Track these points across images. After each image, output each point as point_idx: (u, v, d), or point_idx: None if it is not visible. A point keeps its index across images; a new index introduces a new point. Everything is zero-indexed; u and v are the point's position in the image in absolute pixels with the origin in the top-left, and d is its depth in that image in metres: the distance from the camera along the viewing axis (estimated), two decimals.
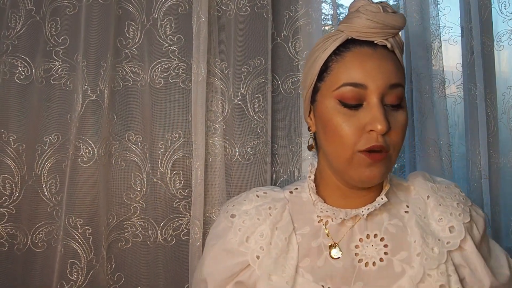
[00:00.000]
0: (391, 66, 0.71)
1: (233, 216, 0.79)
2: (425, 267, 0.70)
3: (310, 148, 0.82)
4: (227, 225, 0.79)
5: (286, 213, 0.78)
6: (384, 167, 0.70)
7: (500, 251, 0.82)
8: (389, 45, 0.73)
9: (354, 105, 0.70)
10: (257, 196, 0.81)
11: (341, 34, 0.75)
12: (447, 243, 0.73)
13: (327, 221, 0.77)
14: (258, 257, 0.74)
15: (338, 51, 0.74)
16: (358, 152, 0.69)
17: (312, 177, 0.81)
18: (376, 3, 0.73)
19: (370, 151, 0.69)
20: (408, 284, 0.70)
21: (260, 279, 0.72)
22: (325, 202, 0.78)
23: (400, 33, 0.77)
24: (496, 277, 0.75)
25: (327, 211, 0.76)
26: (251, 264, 0.74)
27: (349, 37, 0.74)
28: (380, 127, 0.67)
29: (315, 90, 0.76)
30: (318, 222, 0.77)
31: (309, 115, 0.80)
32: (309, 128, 0.81)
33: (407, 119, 0.73)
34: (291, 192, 0.82)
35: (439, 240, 0.73)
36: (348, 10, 0.77)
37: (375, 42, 0.73)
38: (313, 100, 0.77)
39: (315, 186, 0.80)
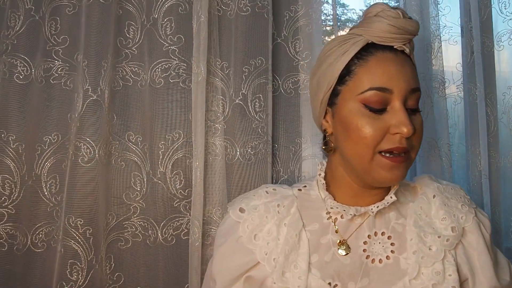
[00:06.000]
0: (410, 71, 0.74)
1: (242, 210, 0.80)
2: (420, 265, 0.72)
3: (329, 150, 0.80)
4: (236, 220, 0.79)
5: (294, 209, 0.79)
6: (405, 169, 0.73)
7: (502, 257, 0.83)
8: (407, 50, 0.75)
9: (379, 109, 0.72)
10: (267, 192, 0.82)
11: (359, 38, 0.75)
12: (447, 240, 0.74)
13: (336, 218, 0.78)
14: (266, 254, 0.75)
15: (360, 55, 0.74)
16: (379, 153, 0.71)
17: (323, 174, 0.82)
18: (394, 8, 0.74)
19: (391, 153, 0.70)
20: (404, 281, 0.72)
21: (272, 275, 0.73)
22: (334, 199, 0.79)
23: None
24: (500, 282, 0.76)
25: (337, 208, 0.77)
26: (260, 261, 0.75)
27: (369, 41, 0.75)
28: (406, 130, 0.69)
29: (334, 93, 0.77)
30: (327, 219, 0.78)
31: (324, 118, 0.80)
32: (325, 131, 0.81)
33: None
34: (299, 190, 0.83)
35: (439, 237, 0.74)
36: (364, 15, 0.78)
37: (395, 47, 0.74)
38: (331, 102, 0.78)
39: (325, 184, 0.81)
